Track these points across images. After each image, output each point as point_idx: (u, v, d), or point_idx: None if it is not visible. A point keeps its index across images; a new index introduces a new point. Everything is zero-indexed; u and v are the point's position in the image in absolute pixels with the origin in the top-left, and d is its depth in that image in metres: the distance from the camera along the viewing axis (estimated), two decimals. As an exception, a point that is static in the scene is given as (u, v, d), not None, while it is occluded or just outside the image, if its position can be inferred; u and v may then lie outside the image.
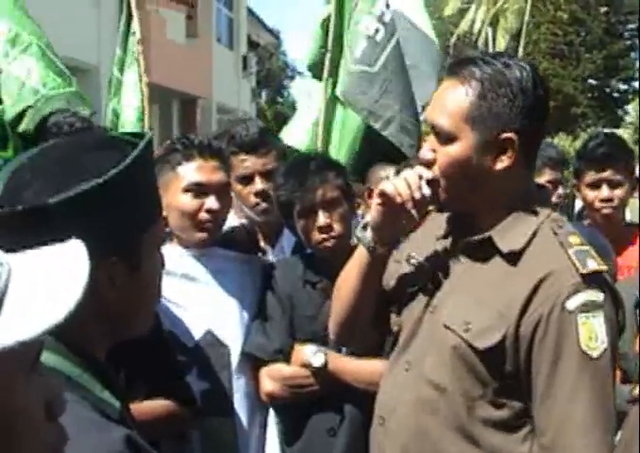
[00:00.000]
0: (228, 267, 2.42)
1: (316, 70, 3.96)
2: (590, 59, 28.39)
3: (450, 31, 25.54)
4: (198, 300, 2.35)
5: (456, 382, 1.68)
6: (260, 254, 2.72)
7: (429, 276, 1.79)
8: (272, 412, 2.48)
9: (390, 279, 1.88)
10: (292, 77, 37.90)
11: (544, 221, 1.71)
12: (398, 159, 3.29)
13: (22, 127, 3.14)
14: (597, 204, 3.13)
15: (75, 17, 12.80)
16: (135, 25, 4.37)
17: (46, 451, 0.85)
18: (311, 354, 2.29)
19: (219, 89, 20.52)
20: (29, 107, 3.18)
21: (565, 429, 1.60)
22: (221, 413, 2.33)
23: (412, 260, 1.84)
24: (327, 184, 2.32)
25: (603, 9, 28.95)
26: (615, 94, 31.05)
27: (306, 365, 2.30)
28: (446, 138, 1.68)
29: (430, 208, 1.80)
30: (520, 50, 7.52)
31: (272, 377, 2.34)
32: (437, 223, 1.84)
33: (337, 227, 2.30)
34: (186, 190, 2.29)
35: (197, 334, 2.33)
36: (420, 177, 1.69)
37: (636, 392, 2.01)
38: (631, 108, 28.74)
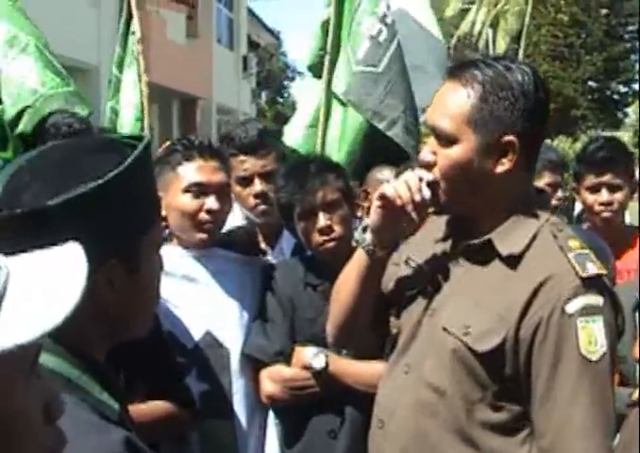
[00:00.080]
0: (229, 268, 2.42)
1: (316, 70, 3.96)
2: (590, 62, 28.41)
3: (451, 33, 25.54)
4: (198, 301, 2.35)
5: (455, 385, 1.68)
6: (260, 255, 2.72)
7: (429, 279, 1.79)
8: (271, 414, 2.48)
9: (389, 282, 1.88)
10: (292, 78, 37.96)
11: (543, 224, 1.71)
12: (400, 160, 3.28)
13: (20, 128, 3.14)
14: (597, 207, 3.13)
15: (74, 17, 12.80)
16: (135, 25, 4.37)
17: None
18: (311, 356, 2.29)
19: (219, 89, 20.52)
20: (28, 107, 3.18)
21: (565, 433, 1.60)
22: (220, 415, 2.33)
23: (411, 263, 1.84)
24: (327, 186, 2.32)
25: (604, 12, 28.97)
26: (616, 97, 31.08)
27: (306, 367, 2.30)
28: (447, 140, 1.68)
29: (429, 210, 1.79)
30: (521, 52, 7.52)
31: (272, 379, 2.33)
32: (436, 225, 1.84)
33: (337, 229, 2.30)
34: (186, 190, 2.29)
35: (197, 335, 2.33)
36: (420, 180, 1.69)
37: (635, 396, 2.01)
38: (631, 110, 28.78)
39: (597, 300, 1.61)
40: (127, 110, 4.30)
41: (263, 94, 34.32)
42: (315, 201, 2.29)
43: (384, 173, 3.27)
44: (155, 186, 1.30)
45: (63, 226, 1.08)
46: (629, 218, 3.91)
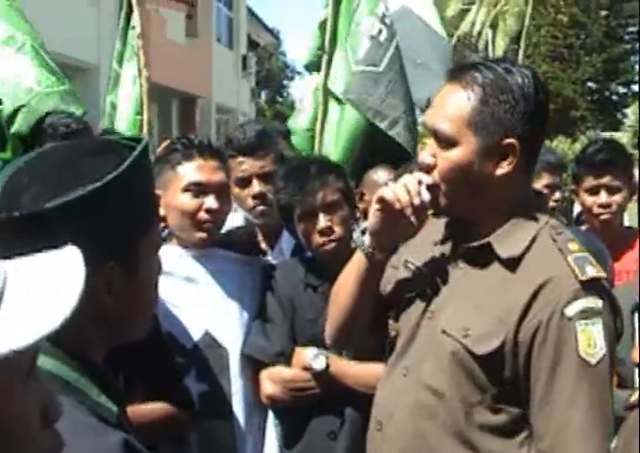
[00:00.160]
0: (228, 268, 2.42)
1: (313, 68, 3.97)
2: (590, 63, 28.42)
3: (450, 33, 25.54)
4: (197, 301, 2.35)
5: (454, 388, 1.68)
6: (260, 255, 2.71)
7: (428, 282, 1.79)
8: (271, 415, 2.47)
9: (387, 285, 1.88)
10: (291, 78, 37.95)
11: (543, 227, 1.71)
12: (400, 160, 3.27)
13: (15, 127, 3.15)
14: (596, 209, 3.13)
15: (74, 16, 12.80)
16: (135, 20, 4.37)
17: None
18: (312, 357, 2.29)
19: (218, 88, 20.52)
20: (22, 106, 3.19)
21: (564, 435, 1.60)
22: (219, 415, 2.33)
23: (410, 266, 1.84)
24: (327, 187, 2.32)
25: (603, 13, 28.99)
26: (615, 98, 31.09)
27: (307, 368, 2.30)
28: (447, 143, 1.68)
29: (428, 212, 1.79)
30: (520, 53, 7.53)
31: (273, 380, 2.33)
32: (435, 228, 1.83)
33: (338, 230, 2.30)
34: (186, 189, 2.29)
35: (196, 335, 2.33)
36: (420, 183, 1.68)
37: (633, 399, 2.01)
38: (630, 111, 28.75)
39: (596, 303, 1.61)
40: (125, 105, 4.29)
41: (263, 94, 34.32)
42: (315, 202, 2.29)
43: (380, 174, 3.26)
44: (153, 187, 1.30)
45: (62, 228, 1.07)
46: (627, 220, 3.91)
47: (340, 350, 2.28)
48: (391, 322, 1.88)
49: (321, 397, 2.31)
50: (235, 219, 2.81)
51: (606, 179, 3.11)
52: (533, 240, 1.69)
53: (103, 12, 14.19)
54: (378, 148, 3.57)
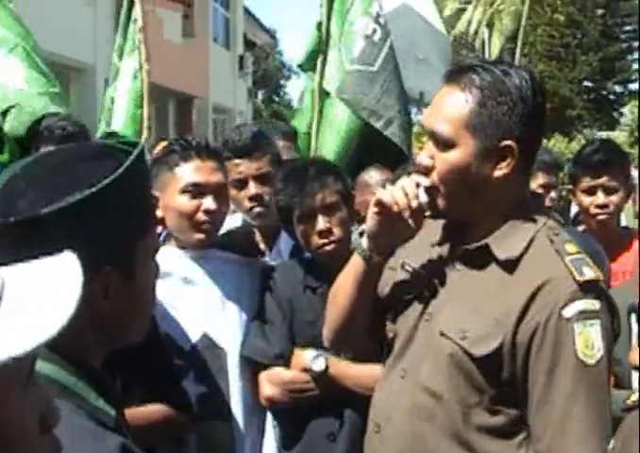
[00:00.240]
0: (227, 269, 2.42)
1: (308, 68, 3.97)
2: (586, 62, 28.45)
3: (447, 32, 25.55)
4: (196, 302, 2.35)
5: (452, 390, 1.68)
6: (259, 256, 2.71)
7: (425, 284, 1.79)
8: (269, 416, 2.47)
9: (384, 287, 1.88)
10: (288, 77, 37.93)
11: (540, 229, 1.71)
12: (394, 161, 3.27)
13: (7, 129, 3.16)
14: (593, 210, 3.14)
15: (70, 16, 12.78)
16: (137, 13, 4.35)
17: None
18: (311, 358, 2.29)
19: (215, 88, 20.51)
20: (12, 107, 3.20)
21: (562, 436, 1.60)
22: (217, 417, 2.32)
23: (407, 267, 1.84)
24: (326, 189, 2.32)
25: (600, 12, 29.01)
26: (611, 97, 31.13)
27: (306, 370, 2.30)
28: (445, 144, 1.68)
29: (426, 214, 1.79)
30: (517, 52, 7.54)
31: (272, 382, 2.33)
32: (432, 229, 1.83)
33: (337, 232, 2.30)
34: (184, 190, 2.29)
35: (194, 336, 2.32)
36: (417, 186, 1.68)
37: (631, 400, 2.01)
38: (626, 110, 28.79)
39: (593, 304, 1.62)
40: (123, 99, 4.26)
41: (260, 93, 34.30)
42: (314, 204, 2.30)
43: (372, 175, 3.25)
44: (149, 191, 1.31)
45: (58, 233, 1.08)
46: (624, 220, 3.92)
47: (338, 352, 2.28)
48: (388, 324, 1.88)
49: (320, 399, 2.30)
50: (233, 220, 2.81)
51: (603, 180, 3.11)
52: (531, 241, 1.69)
53: (99, 12, 14.18)
54: (373, 148, 3.57)
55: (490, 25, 25.18)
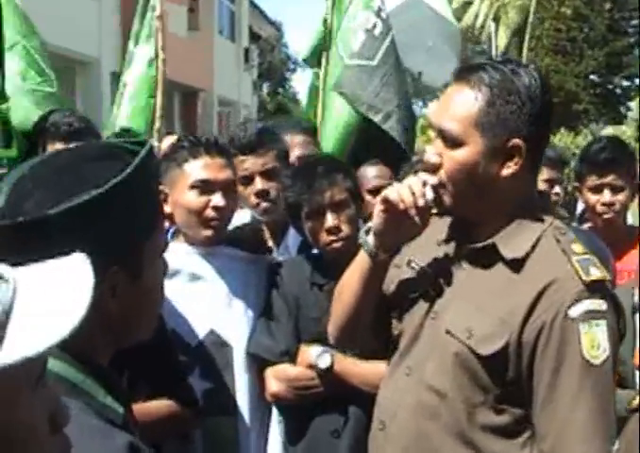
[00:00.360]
0: (234, 266, 2.42)
1: (312, 63, 3.97)
2: (593, 56, 28.34)
3: (454, 25, 25.43)
4: (203, 298, 2.36)
5: (457, 388, 1.68)
6: (266, 253, 2.72)
7: (431, 282, 1.79)
8: (275, 411, 2.48)
9: (390, 284, 1.88)
10: (293, 70, 37.85)
11: (547, 228, 1.71)
12: (393, 157, 3.25)
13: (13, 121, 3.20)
14: (599, 208, 3.13)
15: (75, 10, 12.79)
16: (156, 0, 4.33)
17: None
18: (316, 355, 2.29)
19: (220, 81, 20.50)
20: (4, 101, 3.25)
21: (566, 436, 1.60)
22: (223, 412, 2.33)
23: (413, 265, 1.84)
24: (335, 186, 2.33)
25: (607, 6, 28.88)
26: (618, 91, 31.01)
27: (311, 366, 2.30)
28: (454, 142, 1.68)
29: (432, 212, 1.79)
30: (525, 46, 7.54)
31: (277, 378, 2.34)
32: (438, 227, 1.83)
33: (345, 229, 2.31)
34: (192, 187, 2.30)
35: (201, 333, 2.33)
36: (424, 184, 1.69)
37: (635, 403, 2.02)
38: (633, 104, 28.70)
39: (600, 305, 1.62)
40: (133, 86, 4.24)
41: (265, 86, 34.25)
42: (323, 201, 2.30)
43: (368, 170, 3.22)
44: (157, 191, 1.31)
45: (65, 234, 1.08)
46: (630, 219, 3.91)
47: (343, 349, 2.29)
48: (394, 321, 1.88)
49: (325, 396, 2.31)
50: (242, 216, 2.81)
51: (610, 178, 3.11)
52: (537, 241, 1.69)
53: (104, 6, 14.17)
54: (372, 143, 3.55)
55: (496, 19, 25.09)
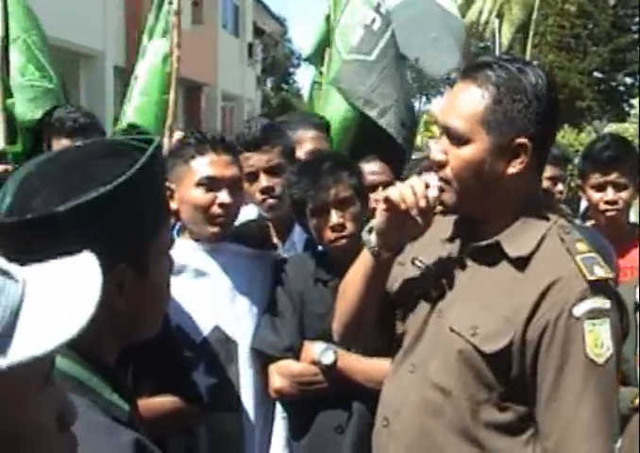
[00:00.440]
0: (239, 262, 2.43)
1: (315, 61, 3.96)
2: (597, 53, 28.28)
3: (458, 21, 25.38)
4: (208, 295, 2.36)
5: (461, 386, 1.69)
6: (272, 249, 2.72)
7: (435, 280, 1.79)
8: (279, 407, 2.48)
9: (394, 282, 1.88)
10: (297, 65, 37.83)
11: (551, 227, 1.71)
12: (390, 153, 3.23)
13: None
14: (602, 206, 3.13)
15: (80, 3, 12.78)
16: None
17: None
18: (320, 351, 2.30)
19: (224, 76, 20.51)
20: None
21: (570, 434, 1.61)
22: (228, 408, 2.34)
23: (418, 263, 1.84)
24: (340, 183, 2.33)
25: (611, 2, 28.80)
26: (621, 88, 30.95)
27: (315, 362, 2.31)
28: (460, 140, 1.68)
29: (436, 210, 1.79)
30: (529, 42, 7.54)
31: (281, 374, 2.35)
32: (442, 225, 1.83)
33: (349, 226, 2.31)
34: (199, 184, 2.30)
35: (206, 329, 2.34)
36: (427, 186, 1.69)
37: (637, 401, 2.03)
38: (636, 101, 28.61)
39: (604, 303, 1.62)
40: (143, 80, 4.21)
41: (268, 81, 34.24)
42: (328, 198, 2.31)
43: (364, 167, 3.21)
44: (164, 189, 1.31)
45: (73, 231, 1.08)
46: (633, 216, 3.91)
47: (348, 346, 2.29)
48: (398, 319, 1.88)
49: (329, 392, 2.32)
50: (249, 212, 2.81)
51: (613, 176, 3.11)
52: (542, 239, 1.69)
53: (109, 0, 14.16)
54: (369, 139, 3.53)
55: (500, 15, 25.04)
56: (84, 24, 12.86)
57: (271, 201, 2.69)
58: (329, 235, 2.32)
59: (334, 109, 3.58)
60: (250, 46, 23.46)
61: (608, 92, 29.96)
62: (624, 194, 3.12)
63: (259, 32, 26.30)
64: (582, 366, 1.60)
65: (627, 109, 30.46)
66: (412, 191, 1.68)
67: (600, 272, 1.64)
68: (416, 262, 1.85)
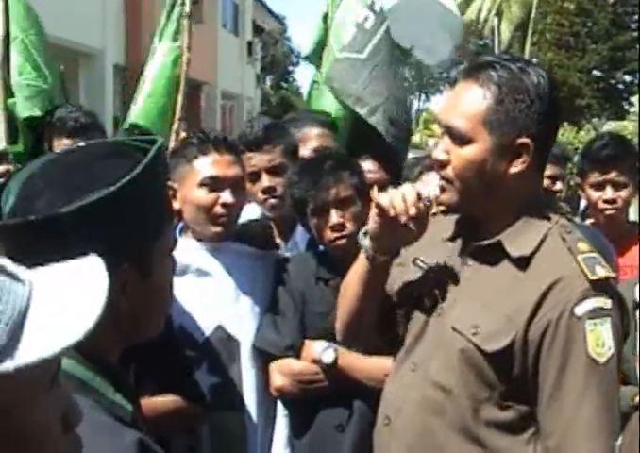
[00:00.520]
0: (242, 262, 2.43)
1: (314, 60, 3.96)
2: (596, 51, 28.29)
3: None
4: (211, 294, 2.37)
5: (462, 385, 1.69)
6: (274, 249, 2.72)
7: (437, 279, 1.80)
8: (280, 405, 2.49)
9: (393, 284, 1.88)
10: (296, 63, 37.83)
11: (553, 227, 1.72)
12: (382, 151, 3.23)
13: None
14: (601, 205, 3.14)
15: (79, 2, 12.77)
16: None
17: None
18: (321, 350, 2.30)
19: (224, 74, 20.50)
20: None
21: (572, 434, 1.61)
22: (230, 407, 2.34)
23: (419, 263, 1.84)
24: (341, 183, 2.33)
25: (610, 0, 28.81)
26: (621, 86, 30.96)
27: (316, 361, 2.31)
28: (462, 140, 1.68)
29: (435, 210, 1.80)
30: (528, 40, 7.54)
31: (282, 372, 2.35)
32: (443, 225, 1.84)
33: (350, 226, 2.31)
34: (201, 183, 2.31)
35: (209, 328, 2.34)
36: (419, 197, 1.68)
37: (637, 399, 2.03)
38: (635, 99, 28.62)
39: (605, 303, 1.63)
40: (150, 82, 4.18)
41: (268, 79, 34.23)
42: (328, 198, 2.31)
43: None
44: (166, 189, 1.31)
45: (77, 232, 1.08)
46: (632, 215, 3.92)
47: (349, 346, 2.30)
48: (400, 319, 1.89)
49: (329, 390, 2.32)
50: (252, 211, 2.82)
51: (612, 175, 3.11)
52: (543, 239, 1.70)
53: (108, -1, 14.14)
54: (361, 137, 3.52)
55: (499, 14, 25.04)
56: (84, 22, 12.85)
57: (273, 201, 2.69)
58: (329, 235, 2.32)
59: (327, 109, 3.58)
60: (250, 45, 23.46)
61: (607, 89, 29.97)
62: (623, 193, 3.12)
63: (258, 30, 26.29)
64: (584, 366, 1.60)
65: (626, 106, 30.46)
66: (403, 198, 1.67)
67: (602, 272, 1.64)
68: (417, 262, 1.85)
